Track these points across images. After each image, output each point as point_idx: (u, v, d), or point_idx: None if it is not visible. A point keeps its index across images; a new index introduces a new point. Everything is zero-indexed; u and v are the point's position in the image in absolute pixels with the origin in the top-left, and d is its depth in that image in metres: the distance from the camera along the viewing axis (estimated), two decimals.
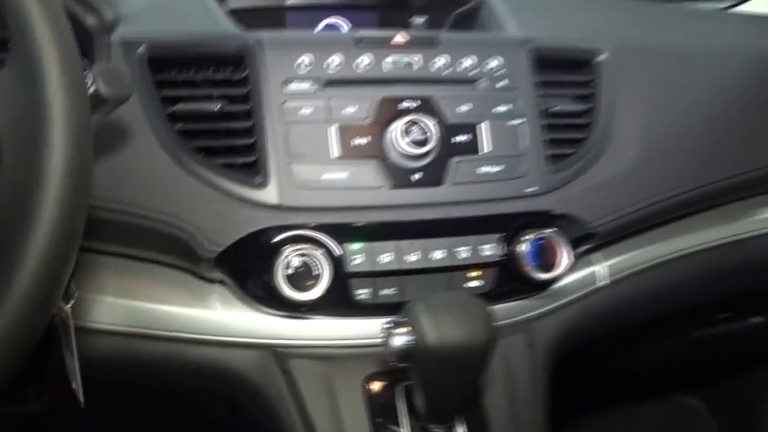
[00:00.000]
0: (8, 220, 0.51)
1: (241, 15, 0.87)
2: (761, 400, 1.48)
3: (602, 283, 0.90)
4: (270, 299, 0.76)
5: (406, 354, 0.69)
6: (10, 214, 0.51)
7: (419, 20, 0.99)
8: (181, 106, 0.76)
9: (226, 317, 0.78)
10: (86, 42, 0.74)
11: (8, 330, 0.50)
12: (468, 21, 0.96)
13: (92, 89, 0.58)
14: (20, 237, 0.50)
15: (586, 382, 1.30)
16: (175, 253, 0.76)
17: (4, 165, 0.52)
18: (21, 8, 0.53)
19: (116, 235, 0.75)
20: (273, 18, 0.95)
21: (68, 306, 0.69)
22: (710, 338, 1.22)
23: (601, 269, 0.90)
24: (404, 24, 0.99)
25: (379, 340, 0.71)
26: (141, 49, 0.76)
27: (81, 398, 0.72)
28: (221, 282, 0.78)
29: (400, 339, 0.69)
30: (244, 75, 0.78)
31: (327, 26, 0.97)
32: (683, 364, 1.42)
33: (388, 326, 0.71)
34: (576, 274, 0.87)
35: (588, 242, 0.86)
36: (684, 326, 1.18)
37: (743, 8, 1.30)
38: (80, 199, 0.52)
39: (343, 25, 0.97)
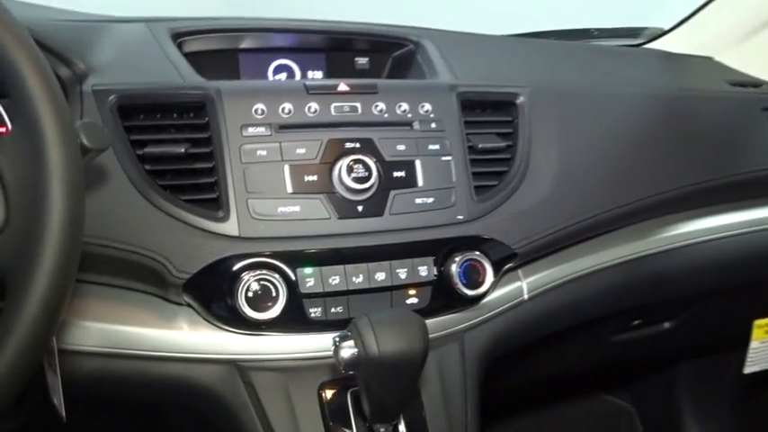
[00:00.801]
0: (20, 257, 0.56)
1: (198, 57, 0.92)
2: (678, 396, 1.57)
3: (524, 297, 0.98)
4: (232, 319, 0.81)
5: (351, 363, 0.74)
6: (23, 251, 0.56)
7: (362, 61, 1.05)
8: (149, 149, 0.81)
9: (193, 336, 0.83)
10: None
11: (13, 363, 0.55)
12: (406, 62, 1.03)
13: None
14: (27, 273, 0.55)
15: (519, 385, 1.35)
16: (147, 280, 0.82)
17: (11, 211, 0.58)
18: (18, 76, 0.58)
19: (94, 265, 0.78)
20: (227, 60, 1.00)
21: None
22: (629, 342, 1.28)
23: (523, 285, 0.97)
24: (348, 65, 1.05)
25: (329, 352, 0.76)
26: (112, 98, 0.81)
27: (63, 413, 0.76)
28: (188, 305, 0.83)
29: (346, 351, 0.74)
30: (205, 121, 0.84)
31: (278, 67, 1.02)
32: (609, 367, 1.49)
33: (336, 340, 0.75)
34: (501, 290, 0.95)
35: (511, 261, 0.93)
36: (604, 332, 1.24)
37: (653, 45, 1.40)
38: (76, 241, 0.58)
39: (293, 66, 1.03)
